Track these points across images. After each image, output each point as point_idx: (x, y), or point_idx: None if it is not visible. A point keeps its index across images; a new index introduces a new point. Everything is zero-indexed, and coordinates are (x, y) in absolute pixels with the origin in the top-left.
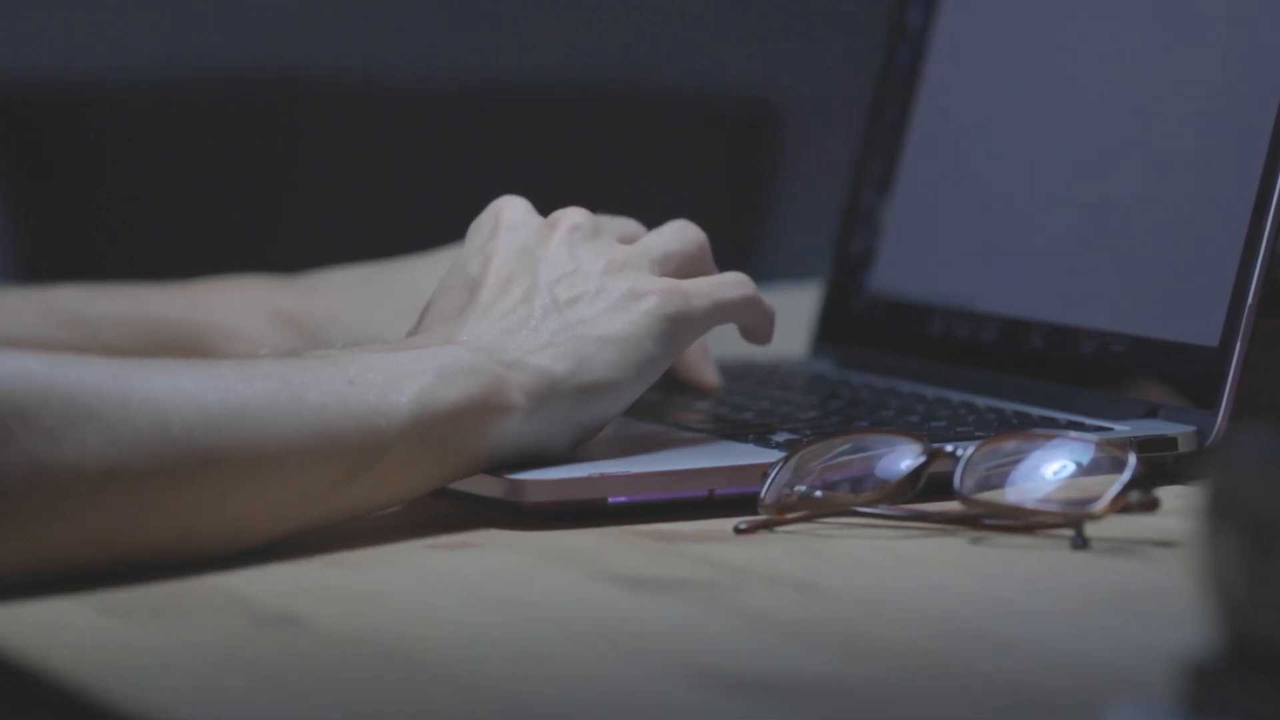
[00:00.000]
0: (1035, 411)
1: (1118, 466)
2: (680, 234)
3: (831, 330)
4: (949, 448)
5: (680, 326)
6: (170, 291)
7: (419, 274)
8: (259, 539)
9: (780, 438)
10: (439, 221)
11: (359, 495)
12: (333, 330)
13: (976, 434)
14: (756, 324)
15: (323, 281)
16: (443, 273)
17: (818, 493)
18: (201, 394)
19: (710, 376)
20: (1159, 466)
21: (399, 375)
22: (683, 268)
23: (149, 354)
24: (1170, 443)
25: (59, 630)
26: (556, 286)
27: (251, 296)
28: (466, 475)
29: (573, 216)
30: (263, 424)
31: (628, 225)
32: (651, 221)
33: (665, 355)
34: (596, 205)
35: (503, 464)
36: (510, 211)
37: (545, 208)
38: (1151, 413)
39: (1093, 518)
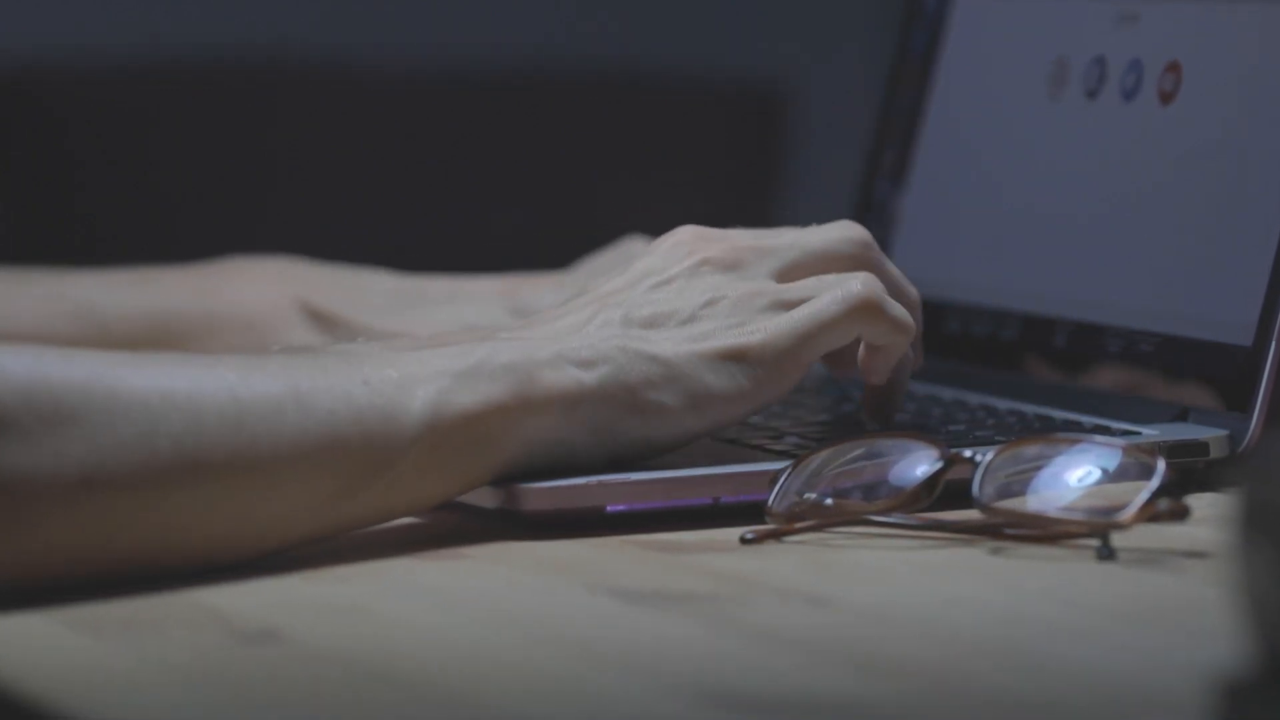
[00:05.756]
0: (1058, 414)
1: (1146, 473)
2: (843, 290)
3: None
4: (967, 453)
5: (761, 368)
6: (187, 276)
7: (463, 296)
8: (248, 553)
9: (789, 442)
10: (431, 214)
11: (364, 507)
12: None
13: (996, 438)
14: (883, 341)
15: (361, 282)
16: (485, 297)
17: (829, 501)
18: (194, 398)
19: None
20: (1189, 473)
21: (414, 376)
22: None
23: (161, 347)
24: (1201, 448)
25: (26, 646)
26: (640, 307)
27: (279, 285)
28: (493, 478)
29: (712, 248)
30: (259, 433)
31: (796, 256)
32: (650, 214)
33: (737, 394)
34: (593, 195)
35: (532, 467)
36: (668, 238)
37: (539, 199)
38: (1181, 416)
39: (1120, 527)
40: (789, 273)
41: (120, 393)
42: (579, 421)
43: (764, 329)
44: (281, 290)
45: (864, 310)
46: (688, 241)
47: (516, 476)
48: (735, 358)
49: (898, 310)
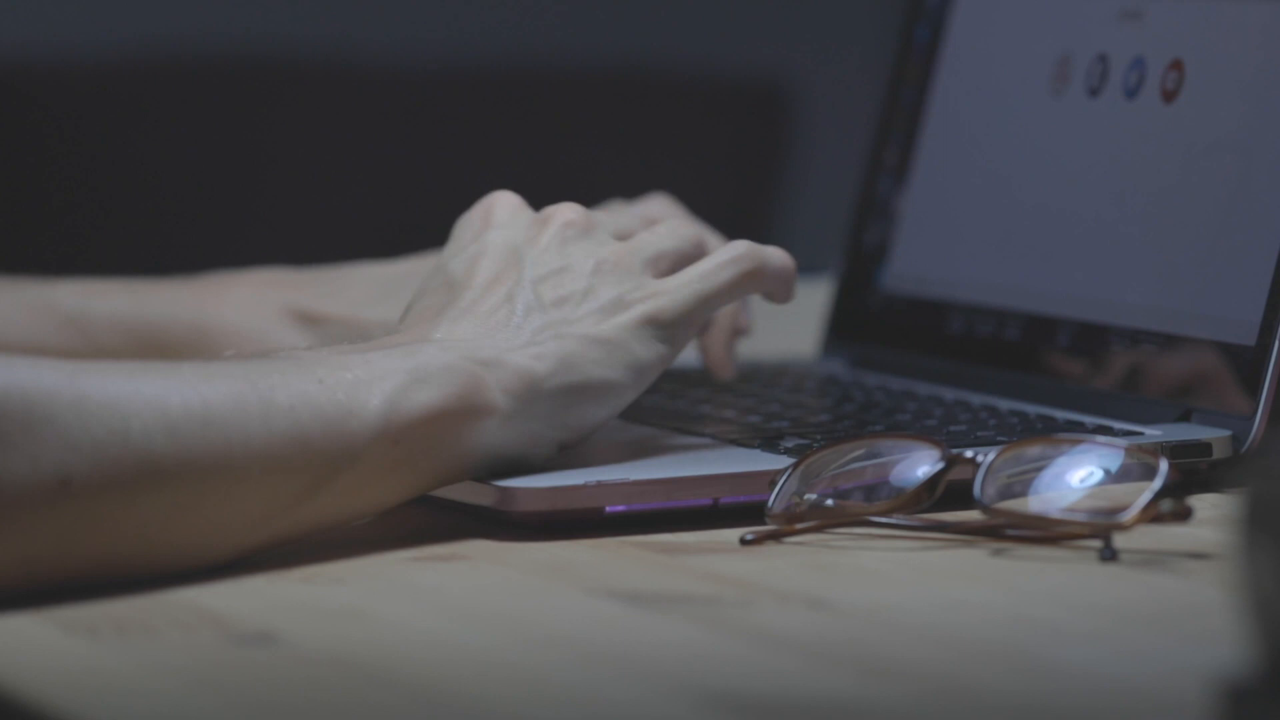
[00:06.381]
0: (1061, 415)
1: (1148, 473)
2: (674, 233)
3: (844, 328)
4: (969, 453)
5: (670, 330)
6: (176, 288)
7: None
8: (223, 554)
9: (789, 443)
10: (428, 212)
11: (329, 505)
12: (348, 332)
13: (998, 439)
14: (770, 291)
15: (342, 277)
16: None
17: (829, 502)
18: (162, 396)
19: (726, 368)
20: (1192, 473)
21: (370, 375)
22: (676, 266)
23: (149, 358)
24: (1204, 448)
25: (19, 650)
26: (541, 285)
27: (264, 294)
28: (446, 483)
29: (565, 213)
30: (228, 428)
31: (624, 219)
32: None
33: (658, 358)
34: (595, 193)
35: (486, 470)
36: (500, 208)
37: (540, 195)
38: (1185, 416)
39: (1122, 528)
40: (623, 232)
41: (90, 394)
42: (529, 416)
43: (665, 293)
44: (268, 298)
45: (756, 274)
46: (521, 209)
47: (516, 477)
48: (650, 323)
49: (779, 260)
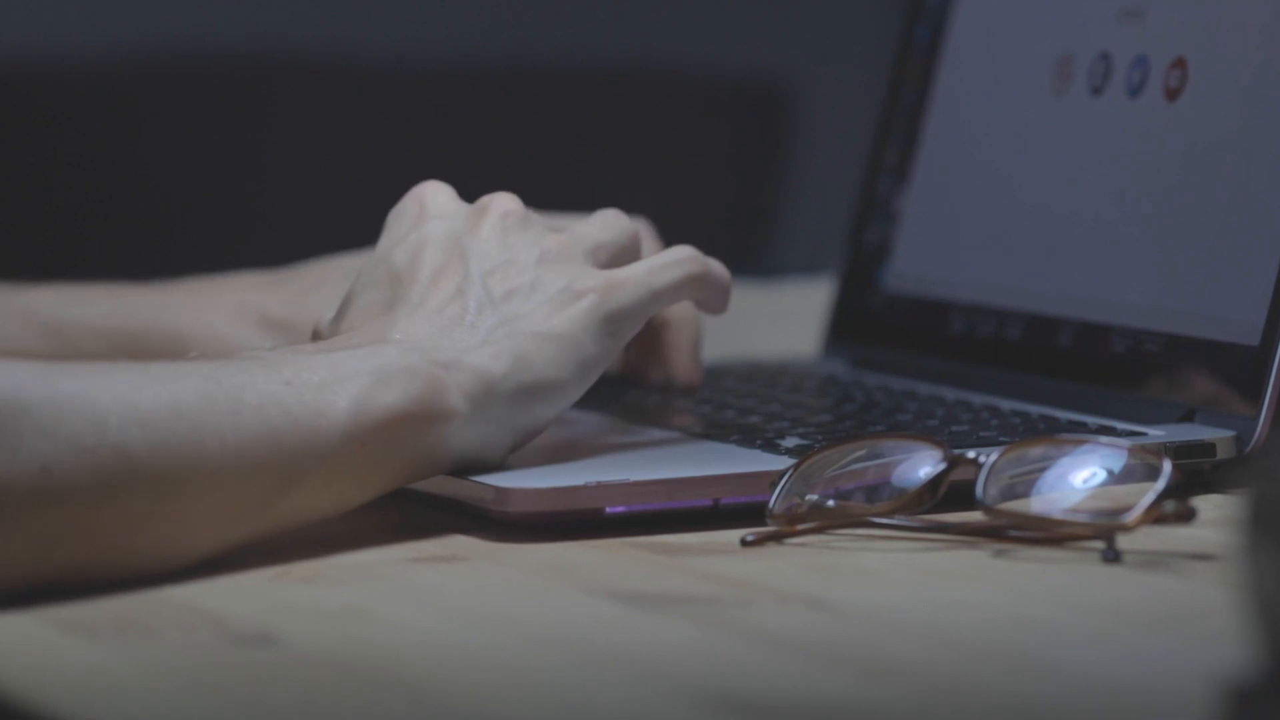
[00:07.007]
0: (1063, 415)
1: (1152, 474)
2: (611, 224)
3: (845, 328)
4: (971, 454)
5: (619, 324)
6: (157, 295)
7: None
8: (199, 552)
9: (790, 443)
10: None
11: (299, 504)
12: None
13: (1000, 439)
14: (706, 299)
15: (317, 279)
16: None
17: (830, 502)
18: (133, 393)
19: (691, 373)
20: (1196, 474)
21: (336, 376)
22: (615, 259)
23: None
24: (1208, 449)
25: (17, 650)
26: (490, 279)
27: (244, 301)
28: (410, 482)
29: (503, 203)
30: (200, 425)
31: (554, 218)
32: (653, 211)
33: (605, 354)
34: (597, 193)
35: (447, 472)
36: (435, 198)
37: (541, 195)
38: (1188, 416)
39: (1125, 529)
40: (556, 224)
41: (64, 390)
42: (487, 417)
43: (618, 285)
44: (247, 306)
45: (701, 278)
46: (456, 198)
47: (516, 478)
48: (601, 316)
49: (721, 270)
